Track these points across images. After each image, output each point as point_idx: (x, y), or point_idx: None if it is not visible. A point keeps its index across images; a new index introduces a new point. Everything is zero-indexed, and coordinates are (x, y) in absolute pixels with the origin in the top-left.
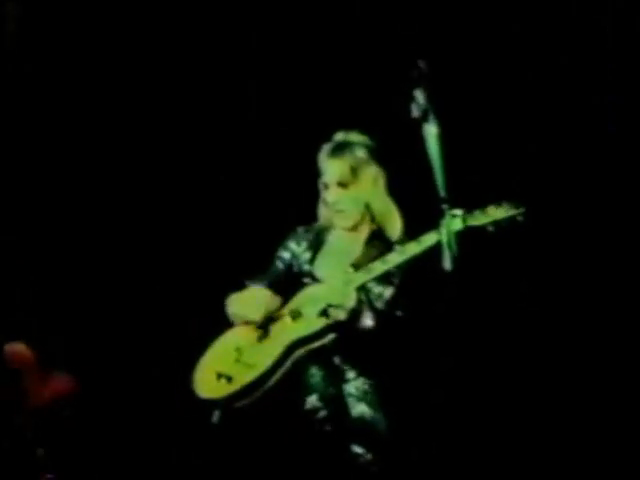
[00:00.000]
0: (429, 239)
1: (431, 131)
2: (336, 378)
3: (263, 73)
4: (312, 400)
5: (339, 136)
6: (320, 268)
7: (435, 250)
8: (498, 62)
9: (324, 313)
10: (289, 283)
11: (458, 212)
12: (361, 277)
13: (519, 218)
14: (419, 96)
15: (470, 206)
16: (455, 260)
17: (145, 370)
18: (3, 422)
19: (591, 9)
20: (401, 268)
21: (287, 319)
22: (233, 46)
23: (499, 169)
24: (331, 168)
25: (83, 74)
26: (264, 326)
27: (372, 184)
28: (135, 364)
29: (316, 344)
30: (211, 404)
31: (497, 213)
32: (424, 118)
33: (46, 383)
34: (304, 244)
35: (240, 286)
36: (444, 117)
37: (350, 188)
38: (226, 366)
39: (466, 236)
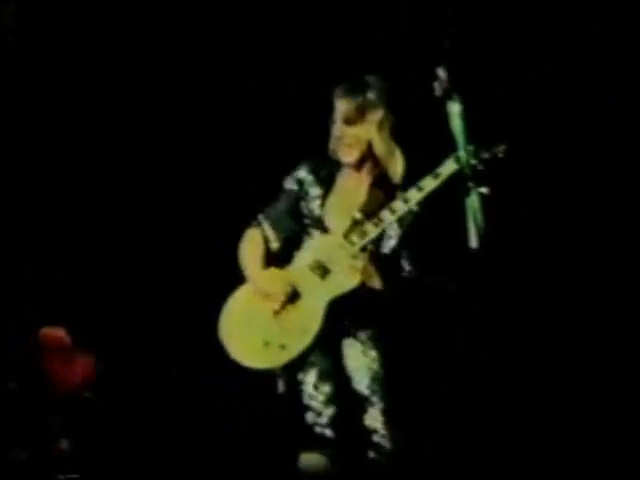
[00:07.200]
0: (428, 184)
1: (454, 109)
2: (337, 352)
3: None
4: (312, 376)
5: (356, 77)
6: (329, 214)
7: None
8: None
9: None
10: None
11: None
12: (373, 229)
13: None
14: (442, 74)
15: (494, 181)
16: (481, 237)
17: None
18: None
19: None
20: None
21: (315, 278)
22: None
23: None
24: (340, 105)
25: (82, 73)
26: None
27: (377, 126)
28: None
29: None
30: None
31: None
32: (447, 96)
33: (74, 367)
34: (313, 176)
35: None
36: (467, 94)
37: (355, 126)
38: (273, 335)
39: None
